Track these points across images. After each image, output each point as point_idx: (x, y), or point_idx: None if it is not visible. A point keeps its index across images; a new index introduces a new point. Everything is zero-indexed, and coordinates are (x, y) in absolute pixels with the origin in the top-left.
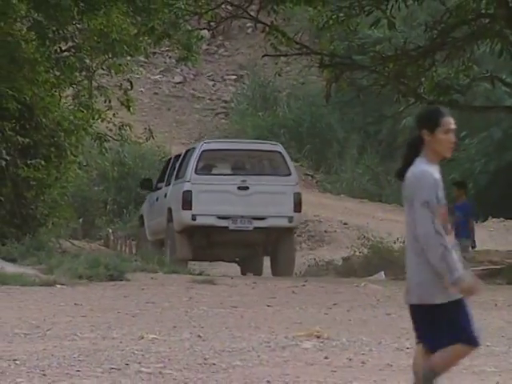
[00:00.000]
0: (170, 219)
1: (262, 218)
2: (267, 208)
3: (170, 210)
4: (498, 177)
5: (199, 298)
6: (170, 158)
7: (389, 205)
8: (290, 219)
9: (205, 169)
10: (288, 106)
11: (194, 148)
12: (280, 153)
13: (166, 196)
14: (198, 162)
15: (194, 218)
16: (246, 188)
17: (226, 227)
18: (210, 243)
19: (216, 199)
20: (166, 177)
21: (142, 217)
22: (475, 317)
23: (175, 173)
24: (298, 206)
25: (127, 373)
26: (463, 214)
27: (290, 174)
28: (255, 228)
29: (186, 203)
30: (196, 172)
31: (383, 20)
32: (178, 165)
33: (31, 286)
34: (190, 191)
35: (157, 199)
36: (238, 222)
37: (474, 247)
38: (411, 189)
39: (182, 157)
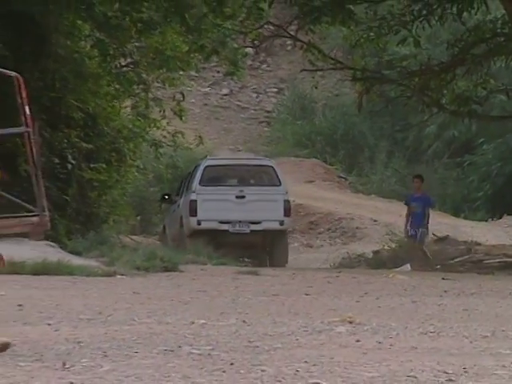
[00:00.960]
0: (181, 225)
1: (258, 222)
2: (261, 213)
3: (181, 217)
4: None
5: (244, 287)
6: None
7: None
8: (281, 222)
9: (208, 181)
10: (324, 115)
11: (199, 164)
12: (272, 167)
13: (178, 206)
14: (202, 175)
15: (199, 223)
16: (243, 197)
17: (227, 230)
18: (214, 245)
19: (217, 207)
20: (180, 191)
21: (164, 226)
22: (492, 304)
23: (186, 186)
24: (287, 212)
25: (180, 354)
26: (422, 205)
27: (280, 185)
28: (252, 231)
29: (192, 210)
30: (200, 184)
31: (409, 38)
32: (188, 179)
33: (94, 276)
34: (196, 200)
35: (173, 210)
36: (237, 226)
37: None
38: None
39: (191, 172)
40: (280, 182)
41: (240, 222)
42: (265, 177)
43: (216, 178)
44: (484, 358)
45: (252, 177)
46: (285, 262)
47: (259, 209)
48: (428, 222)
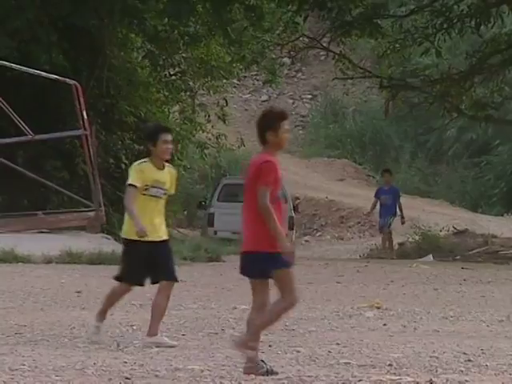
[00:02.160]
0: (204, 233)
1: None
2: None
3: (204, 226)
4: None
5: None
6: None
7: (436, 200)
8: (285, 235)
9: (224, 197)
10: (353, 119)
11: (219, 182)
12: None
13: (204, 215)
14: (220, 192)
15: (215, 232)
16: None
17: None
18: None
19: (231, 219)
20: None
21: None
22: (507, 292)
23: (210, 199)
24: (291, 226)
25: (223, 336)
26: (392, 197)
27: (286, 203)
28: None
29: (210, 222)
30: (218, 200)
31: (432, 49)
32: (213, 193)
33: None
34: (213, 213)
35: (204, 216)
36: None
37: (403, 222)
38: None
39: (215, 187)
40: (286, 200)
41: None
42: None
43: (231, 194)
44: (500, 341)
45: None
46: None
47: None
48: (401, 211)
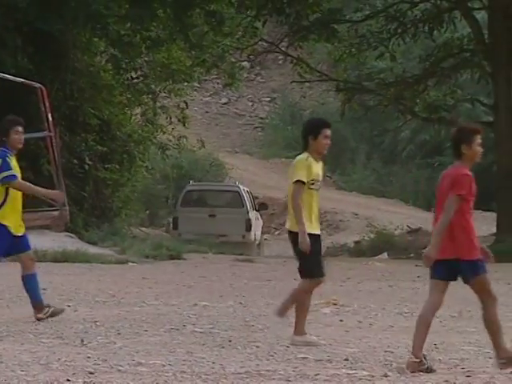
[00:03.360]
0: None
1: (225, 235)
2: (228, 229)
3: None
4: (476, 177)
5: (241, 273)
6: None
7: (391, 200)
8: (243, 236)
9: (187, 203)
10: None
11: (183, 189)
12: (238, 192)
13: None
14: (183, 198)
15: (179, 235)
16: (214, 215)
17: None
18: None
19: (194, 223)
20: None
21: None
22: (459, 288)
23: (174, 204)
24: (248, 228)
25: (184, 332)
26: None
27: (243, 206)
28: (221, 242)
29: (175, 225)
30: (181, 205)
31: (386, 54)
32: (177, 199)
33: (108, 263)
34: (178, 217)
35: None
36: (210, 238)
37: None
38: None
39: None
40: (243, 204)
41: (211, 234)
42: (231, 199)
43: (194, 200)
44: (452, 336)
45: (222, 200)
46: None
47: (226, 225)
48: None
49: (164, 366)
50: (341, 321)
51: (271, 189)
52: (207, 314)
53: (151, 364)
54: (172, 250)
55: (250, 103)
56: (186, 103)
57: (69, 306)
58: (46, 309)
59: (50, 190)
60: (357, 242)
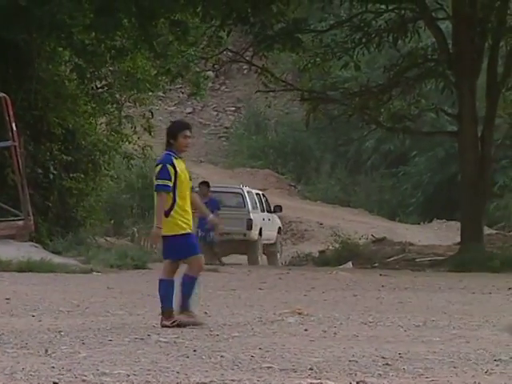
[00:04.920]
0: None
1: (228, 233)
2: (231, 227)
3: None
4: (441, 187)
5: (206, 282)
6: None
7: (355, 209)
8: (244, 234)
9: None
10: (275, 131)
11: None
12: (241, 193)
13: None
14: None
15: None
16: (218, 215)
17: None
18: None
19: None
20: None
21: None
22: (424, 298)
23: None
24: (249, 227)
25: (149, 342)
26: (210, 209)
27: (244, 207)
28: (224, 239)
29: None
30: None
31: (351, 63)
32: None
33: (73, 273)
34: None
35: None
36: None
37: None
38: None
39: None
40: (245, 204)
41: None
42: (235, 200)
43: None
44: (417, 345)
45: (225, 200)
46: (254, 262)
47: (229, 224)
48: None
49: (129, 375)
50: (305, 330)
51: None
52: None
53: (116, 374)
54: (137, 259)
55: (215, 113)
56: (152, 113)
57: (33, 316)
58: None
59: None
60: (321, 252)
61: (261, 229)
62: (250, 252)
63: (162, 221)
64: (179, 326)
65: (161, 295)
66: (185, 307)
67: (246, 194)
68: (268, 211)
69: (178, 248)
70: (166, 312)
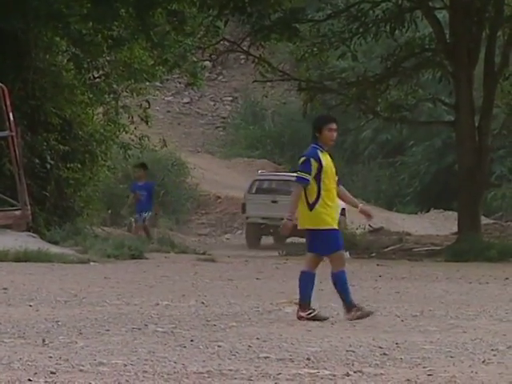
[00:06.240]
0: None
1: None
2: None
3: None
4: (438, 176)
5: (203, 272)
6: None
7: None
8: None
9: (254, 190)
10: (273, 121)
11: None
12: None
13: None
14: (250, 186)
15: (247, 218)
16: (276, 201)
17: (266, 223)
18: (259, 232)
19: (259, 208)
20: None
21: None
22: (421, 287)
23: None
24: None
25: (146, 332)
26: (147, 192)
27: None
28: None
29: (243, 210)
30: (249, 192)
31: (348, 53)
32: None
33: (70, 263)
34: (245, 203)
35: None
36: (273, 221)
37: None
38: None
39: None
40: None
41: (274, 218)
42: (292, 188)
43: (259, 188)
44: (414, 335)
45: (283, 188)
46: None
47: (287, 210)
48: (154, 205)
49: (126, 365)
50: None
51: (233, 188)
52: (169, 313)
53: (113, 363)
54: (134, 249)
55: (212, 103)
56: (149, 102)
57: (30, 306)
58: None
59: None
60: None
61: None
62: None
63: (307, 214)
64: (314, 318)
65: (300, 286)
66: (349, 303)
67: None
68: None
69: (322, 243)
70: (303, 304)
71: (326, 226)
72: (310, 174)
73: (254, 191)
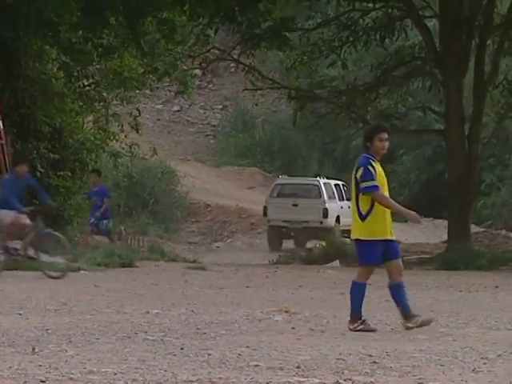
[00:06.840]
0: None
1: (306, 221)
2: (308, 216)
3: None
4: (428, 185)
5: (193, 281)
6: None
7: None
8: (321, 222)
9: (276, 194)
10: (263, 129)
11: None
12: (317, 185)
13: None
14: (272, 190)
15: (269, 221)
16: (297, 205)
17: (287, 226)
18: (281, 235)
19: (280, 211)
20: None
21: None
22: (411, 296)
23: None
24: (325, 215)
25: (136, 340)
26: (101, 197)
27: (320, 197)
28: (303, 227)
29: (265, 213)
30: (270, 196)
31: (338, 62)
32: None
33: (60, 271)
34: (267, 206)
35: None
36: (294, 224)
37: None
38: None
39: None
40: (321, 195)
41: (295, 221)
42: (311, 191)
43: (280, 192)
44: (404, 343)
45: (303, 192)
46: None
47: (307, 213)
48: (108, 211)
49: (116, 374)
50: (293, 328)
51: (223, 196)
52: (159, 321)
53: (103, 372)
54: (124, 258)
55: (202, 111)
56: (139, 111)
57: (20, 315)
58: (416, 318)
59: (406, 209)
60: (309, 250)
61: (338, 216)
62: (327, 237)
63: (358, 224)
64: (363, 330)
65: (351, 297)
66: (407, 313)
67: (322, 185)
68: (348, 199)
69: (371, 254)
70: (352, 317)
71: (374, 236)
72: (375, 179)
73: (275, 195)
